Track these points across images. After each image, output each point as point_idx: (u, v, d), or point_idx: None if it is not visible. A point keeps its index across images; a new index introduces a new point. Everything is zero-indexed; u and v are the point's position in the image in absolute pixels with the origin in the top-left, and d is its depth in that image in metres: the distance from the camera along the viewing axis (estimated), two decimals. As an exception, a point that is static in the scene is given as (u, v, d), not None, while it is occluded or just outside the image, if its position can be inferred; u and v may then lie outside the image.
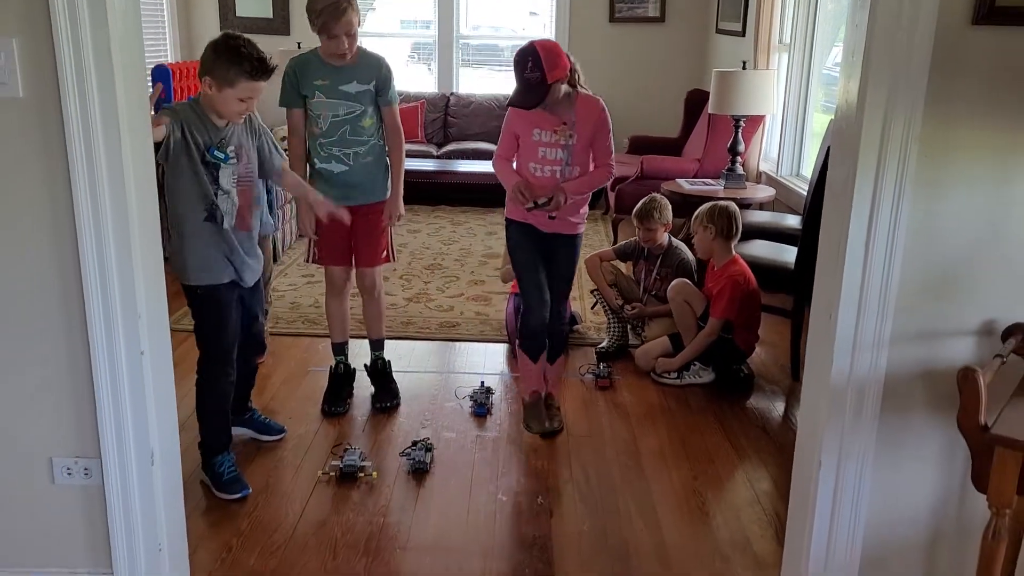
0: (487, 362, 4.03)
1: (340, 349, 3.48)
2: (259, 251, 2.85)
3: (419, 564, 2.48)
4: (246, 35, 2.60)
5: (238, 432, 3.03)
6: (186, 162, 2.56)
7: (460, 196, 7.23)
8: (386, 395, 3.48)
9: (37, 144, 1.90)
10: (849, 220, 1.88)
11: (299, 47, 6.71)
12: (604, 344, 4.06)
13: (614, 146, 3.06)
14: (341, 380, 3.47)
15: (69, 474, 2.10)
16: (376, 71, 3.17)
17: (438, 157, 7.49)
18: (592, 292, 4.25)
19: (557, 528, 2.68)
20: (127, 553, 2.13)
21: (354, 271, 3.38)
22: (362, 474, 2.87)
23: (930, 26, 1.77)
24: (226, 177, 2.65)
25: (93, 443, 2.07)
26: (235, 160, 2.67)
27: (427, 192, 7.08)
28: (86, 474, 2.10)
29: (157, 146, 2.35)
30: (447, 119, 7.94)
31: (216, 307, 2.70)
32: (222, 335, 2.74)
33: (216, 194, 2.62)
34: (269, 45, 2.79)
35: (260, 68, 2.54)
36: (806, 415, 2.15)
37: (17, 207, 1.93)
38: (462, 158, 7.46)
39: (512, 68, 2.84)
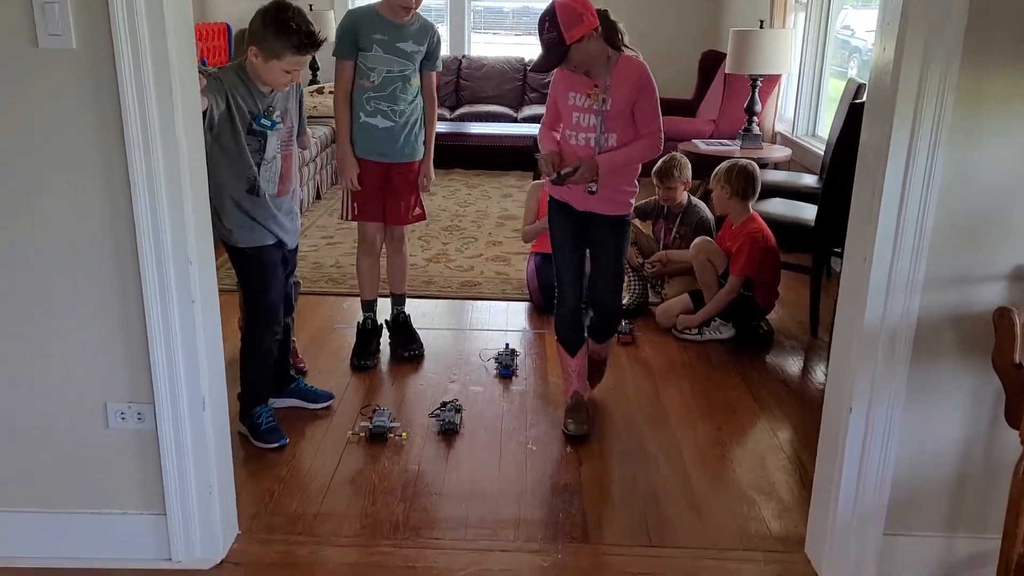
0: (510, 320, 4.10)
1: (369, 306, 3.57)
2: (297, 211, 2.90)
3: (455, 509, 2.56)
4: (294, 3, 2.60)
5: (286, 403, 3.06)
6: (229, 133, 2.59)
7: (474, 159, 7.26)
8: (409, 343, 3.59)
9: (90, 95, 1.93)
10: (886, 167, 1.92)
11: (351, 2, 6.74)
12: (625, 302, 4.11)
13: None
14: (369, 335, 3.55)
15: (123, 419, 2.16)
16: (430, 35, 3.28)
17: (451, 120, 7.51)
18: (612, 251, 4.30)
19: (587, 475, 2.76)
20: (179, 495, 2.21)
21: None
22: (392, 435, 2.91)
23: (968, -21, 1.80)
24: (272, 144, 2.68)
25: (146, 389, 2.13)
26: (281, 126, 2.71)
27: (441, 155, 7.06)
28: (139, 419, 2.16)
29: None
30: (459, 82, 7.94)
31: (262, 267, 2.75)
32: (268, 295, 2.78)
33: (259, 165, 2.66)
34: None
35: (308, 42, 2.54)
36: (836, 360, 2.20)
37: (71, 157, 1.97)
38: (475, 120, 7.48)
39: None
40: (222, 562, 2.28)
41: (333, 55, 3.25)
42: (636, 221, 4.29)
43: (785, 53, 5.18)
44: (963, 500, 2.18)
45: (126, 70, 1.90)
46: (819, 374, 3.56)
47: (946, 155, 1.90)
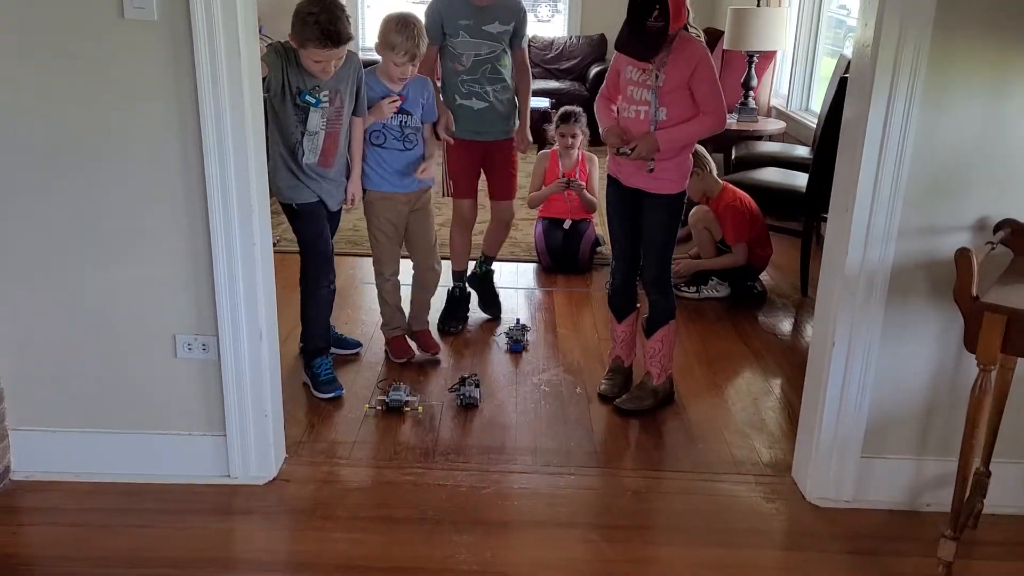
0: (519, 279, 4.38)
1: (460, 276, 3.75)
2: (342, 180, 3.05)
3: (479, 439, 2.85)
4: None
5: None
6: (280, 100, 2.79)
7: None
8: (491, 304, 3.84)
9: (169, 61, 2.19)
10: (866, 129, 2.19)
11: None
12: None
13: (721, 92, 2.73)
14: (458, 302, 3.76)
15: (190, 349, 2.44)
16: (516, 13, 3.36)
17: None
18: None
19: (595, 411, 3.06)
20: (238, 418, 2.49)
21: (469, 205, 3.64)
22: (408, 408, 2.97)
23: (939, -39, 2.06)
24: (315, 120, 2.83)
25: (211, 322, 2.41)
26: (327, 104, 2.84)
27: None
28: (204, 349, 2.44)
29: None
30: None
31: (312, 219, 2.95)
32: (320, 243, 2.97)
33: (301, 135, 2.83)
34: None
35: (328, 38, 2.64)
36: (822, 302, 2.49)
37: (151, 116, 2.24)
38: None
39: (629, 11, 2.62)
40: (274, 479, 2.57)
41: None
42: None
43: (780, 30, 5.42)
44: (931, 426, 2.48)
45: (201, 38, 2.15)
46: (809, 329, 3.85)
47: (918, 118, 2.18)
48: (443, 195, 3.63)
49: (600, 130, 2.92)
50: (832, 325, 2.40)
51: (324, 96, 2.83)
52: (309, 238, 2.99)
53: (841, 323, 2.38)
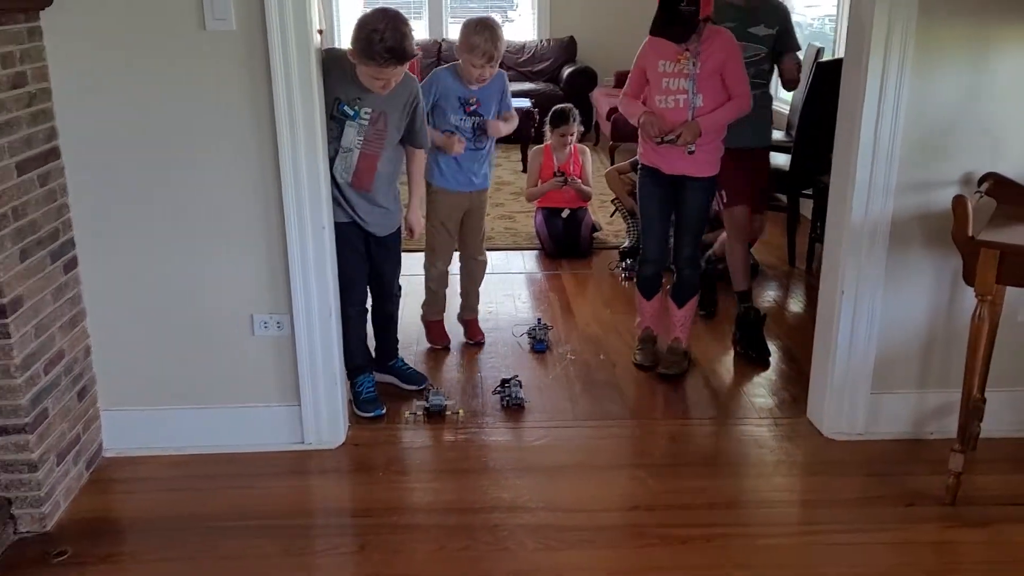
0: (525, 264, 4.67)
1: (745, 296, 3.53)
2: (391, 208, 2.93)
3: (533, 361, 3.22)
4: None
5: (385, 379, 3.16)
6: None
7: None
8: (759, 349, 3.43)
9: (245, 67, 2.43)
10: (864, 97, 2.51)
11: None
12: (627, 243, 4.69)
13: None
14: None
15: (266, 327, 2.67)
16: (780, 16, 3.28)
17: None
18: (612, 202, 4.86)
19: (620, 373, 3.35)
20: (311, 388, 2.72)
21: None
22: (448, 412, 2.97)
23: (920, -51, 2.39)
24: (350, 135, 2.74)
25: (285, 301, 2.64)
26: (367, 122, 2.74)
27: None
28: (279, 327, 2.67)
29: None
30: (440, 63, 8.41)
31: (338, 239, 2.73)
32: (342, 266, 2.76)
33: (337, 150, 2.74)
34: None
35: (389, 56, 2.56)
36: (829, 255, 2.80)
37: (231, 117, 2.47)
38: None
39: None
40: (343, 443, 2.81)
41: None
42: (632, 174, 4.86)
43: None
44: (930, 361, 2.80)
45: (276, 46, 2.40)
46: (798, 296, 4.18)
47: (909, 88, 2.50)
48: (717, 208, 3.45)
49: (635, 122, 3.06)
50: (840, 275, 2.71)
51: (365, 113, 2.74)
52: (336, 259, 2.75)
53: (848, 272, 2.69)
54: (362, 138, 2.76)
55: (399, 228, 3.03)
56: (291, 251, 2.59)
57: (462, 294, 3.63)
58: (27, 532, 2.38)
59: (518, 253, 4.82)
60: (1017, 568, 2.25)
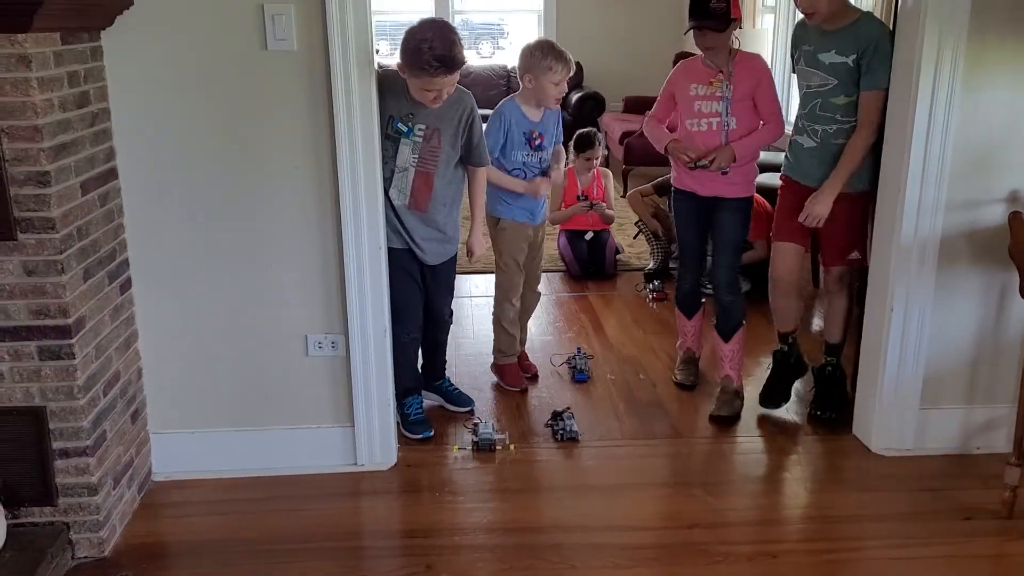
0: (552, 287, 4.66)
1: (784, 338, 3.21)
2: (448, 234, 2.90)
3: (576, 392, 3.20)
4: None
5: (433, 399, 3.17)
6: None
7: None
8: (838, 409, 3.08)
9: (306, 85, 2.45)
10: (915, 116, 2.55)
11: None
12: (651, 265, 4.71)
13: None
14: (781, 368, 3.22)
15: (320, 347, 2.67)
16: (861, 42, 2.68)
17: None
18: (636, 224, 4.89)
19: (662, 391, 3.35)
20: (365, 409, 2.71)
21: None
22: (499, 447, 2.89)
23: (970, -25, 2.45)
24: (404, 153, 2.71)
25: (340, 322, 2.64)
26: (421, 138, 2.71)
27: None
28: (333, 347, 2.67)
29: None
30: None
31: (390, 265, 2.71)
32: (394, 293, 2.74)
33: (393, 171, 2.72)
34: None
35: (439, 66, 2.53)
36: (877, 272, 2.82)
37: (291, 134, 2.49)
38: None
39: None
40: (395, 465, 2.79)
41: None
42: (655, 196, 4.90)
43: (757, 51, 5.85)
44: (978, 376, 2.82)
45: (338, 66, 2.42)
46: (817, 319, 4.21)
47: (959, 104, 2.55)
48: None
49: (660, 148, 3.08)
50: (890, 291, 2.74)
51: (419, 129, 2.72)
52: (389, 284, 2.73)
53: (898, 289, 2.72)
54: (417, 155, 2.74)
55: (454, 256, 3.01)
56: (348, 271, 2.59)
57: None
58: (85, 557, 2.36)
59: (544, 275, 4.82)
60: (1081, 581, 2.26)
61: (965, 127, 2.58)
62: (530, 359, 3.54)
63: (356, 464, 2.76)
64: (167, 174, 2.51)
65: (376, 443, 2.75)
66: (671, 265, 4.80)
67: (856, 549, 2.39)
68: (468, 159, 2.89)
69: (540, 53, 3.11)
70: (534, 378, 3.47)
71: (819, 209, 2.79)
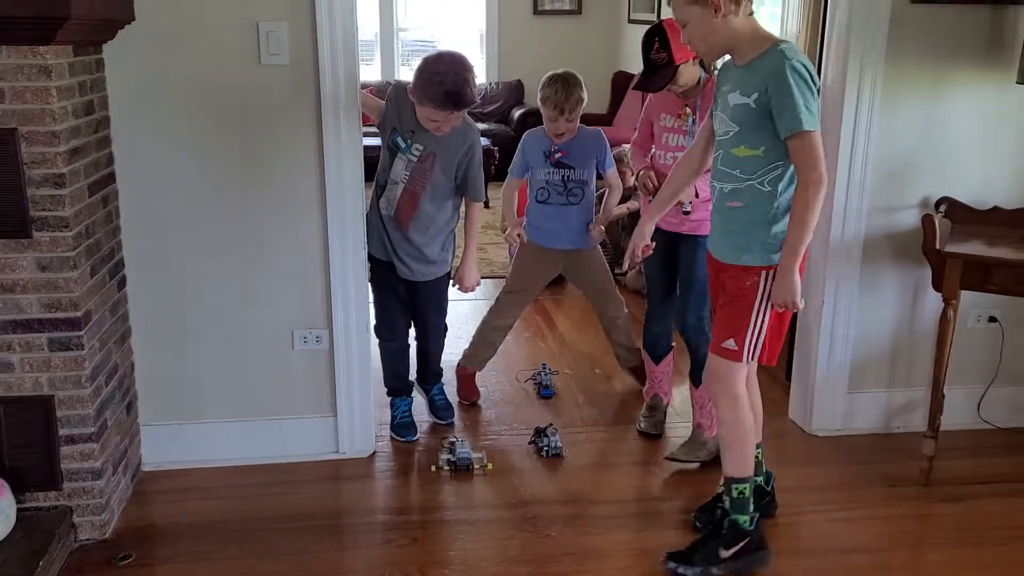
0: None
1: None
2: (431, 258, 2.91)
3: (560, 410, 3.38)
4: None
5: (419, 395, 3.26)
6: (384, 138, 2.85)
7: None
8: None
9: (298, 98, 2.65)
10: (839, 135, 2.89)
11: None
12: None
13: None
14: None
15: (305, 342, 2.85)
16: (762, 80, 2.14)
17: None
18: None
19: (616, 383, 3.63)
20: (347, 400, 2.90)
21: None
22: (477, 466, 2.89)
23: (887, 7, 2.80)
24: (398, 168, 2.79)
25: (324, 317, 2.83)
26: (415, 158, 2.78)
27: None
28: (318, 341, 2.85)
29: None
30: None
31: (374, 277, 2.84)
32: (378, 306, 2.89)
33: (387, 180, 2.83)
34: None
35: (446, 102, 2.59)
36: (810, 270, 3.12)
37: (281, 143, 2.68)
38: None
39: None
40: (374, 452, 2.99)
41: None
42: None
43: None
44: (897, 363, 3.17)
45: (327, 78, 2.63)
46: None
47: (879, 122, 2.90)
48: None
49: (635, 175, 2.99)
50: (821, 286, 3.06)
51: (416, 149, 2.77)
52: (373, 291, 2.91)
53: (829, 284, 3.05)
54: (408, 173, 2.79)
55: (444, 276, 3.01)
56: (333, 268, 2.78)
57: (615, 345, 3.50)
58: (87, 539, 2.48)
59: (494, 282, 5.06)
60: (988, 534, 2.59)
61: (884, 142, 2.93)
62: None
63: (338, 452, 2.94)
64: (161, 178, 2.67)
65: (357, 432, 2.94)
66: (615, 271, 5.10)
67: (798, 514, 2.68)
68: (463, 190, 2.92)
69: (541, 84, 3.11)
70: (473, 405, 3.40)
71: (782, 295, 2.20)
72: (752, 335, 2.28)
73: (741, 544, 2.35)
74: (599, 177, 3.30)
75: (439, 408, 3.23)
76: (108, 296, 2.57)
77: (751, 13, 2.18)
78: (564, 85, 3.06)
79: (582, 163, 3.19)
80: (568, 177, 3.19)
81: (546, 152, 3.19)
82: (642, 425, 3.20)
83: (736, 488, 2.36)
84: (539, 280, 3.41)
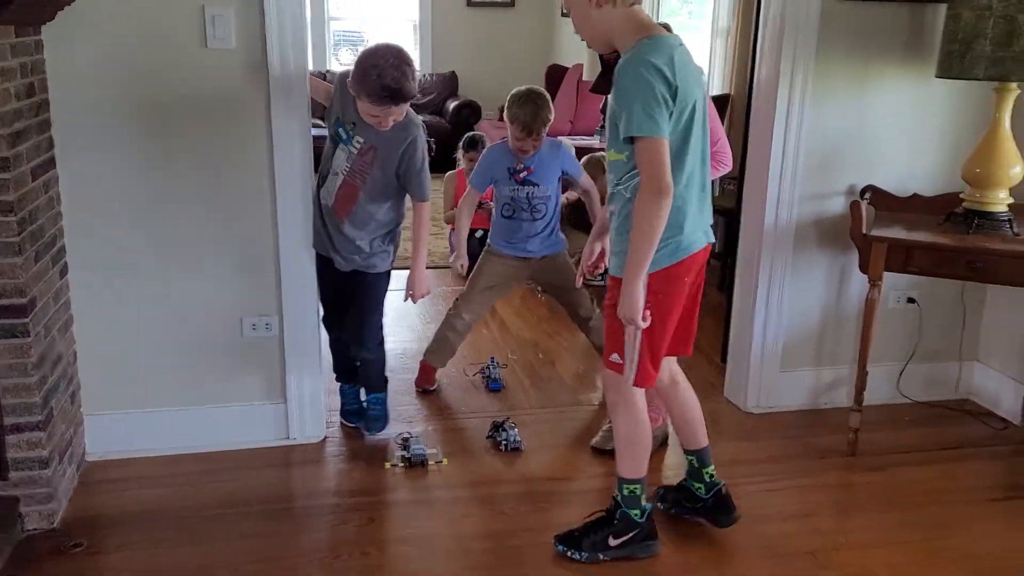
0: (446, 281, 4.96)
1: None
2: (368, 251, 2.80)
3: (486, 405, 3.45)
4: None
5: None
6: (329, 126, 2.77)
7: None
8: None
9: (246, 82, 2.64)
10: (773, 125, 3.03)
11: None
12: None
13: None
14: None
15: (255, 329, 2.84)
16: (618, 76, 2.09)
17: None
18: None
19: (560, 367, 3.72)
20: (297, 386, 2.91)
21: None
22: (432, 462, 2.87)
23: (817, 4, 2.94)
24: (339, 159, 2.71)
25: (274, 304, 2.83)
26: (356, 151, 2.68)
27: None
28: (267, 328, 2.85)
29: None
30: (323, 94, 8.60)
31: (317, 268, 2.86)
32: (320, 297, 2.89)
33: (328, 169, 2.75)
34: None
35: (385, 96, 2.51)
36: (744, 256, 3.29)
37: (230, 128, 2.67)
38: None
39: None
40: (325, 438, 3.01)
41: None
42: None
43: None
44: (824, 341, 3.34)
45: (276, 64, 2.64)
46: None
47: (809, 114, 3.04)
48: None
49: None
50: (755, 271, 3.21)
51: (357, 141, 2.69)
52: (318, 285, 2.89)
53: (763, 269, 3.19)
54: (349, 165, 2.70)
55: (379, 275, 2.87)
56: (283, 256, 2.79)
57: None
58: (34, 529, 2.45)
59: (434, 272, 5.11)
60: (909, 499, 2.77)
61: (814, 133, 3.08)
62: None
63: (288, 438, 2.95)
64: (103, 163, 2.63)
65: (307, 418, 2.96)
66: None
67: (735, 485, 2.78)
68: (406, 188, 2.79)
69: (510, 103, 3.13)
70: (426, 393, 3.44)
71: (621, 310, 2.12)
72: (629, 348, 2.18)
73: (631, 535, 2.39)
74: (571, 186, 3.37)
75: (370, 418, 3.04)
76: (51, 283, 2.53)
77: (632, 4, 2.06)
78: (534, 107, 3.09)
79: (546, 179, 3.25)
80: (532, 195, 3.25)
81: (511, 169, 3.24)
82: (595, 440, 3.03)
83: (627, 488, 2.38)
84: (503, 287, 3.44)
